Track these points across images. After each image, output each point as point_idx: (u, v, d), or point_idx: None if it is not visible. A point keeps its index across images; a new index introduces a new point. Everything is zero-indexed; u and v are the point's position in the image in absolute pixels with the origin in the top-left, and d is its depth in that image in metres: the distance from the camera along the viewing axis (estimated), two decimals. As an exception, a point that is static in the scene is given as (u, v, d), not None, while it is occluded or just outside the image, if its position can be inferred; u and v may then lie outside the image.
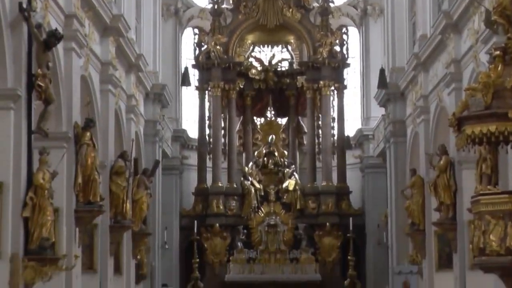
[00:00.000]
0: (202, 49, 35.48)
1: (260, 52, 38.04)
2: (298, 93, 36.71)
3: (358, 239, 33.89)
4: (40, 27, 15.27)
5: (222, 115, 35.91)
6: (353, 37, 38.22)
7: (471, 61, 20.20)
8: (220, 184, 34.97)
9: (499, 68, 13.59)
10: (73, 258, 16.98)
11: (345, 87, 35.79)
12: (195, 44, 36.98)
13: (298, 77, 36.38)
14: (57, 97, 16.46)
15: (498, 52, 13.27)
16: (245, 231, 34.22)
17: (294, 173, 35.56)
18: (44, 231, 14.73)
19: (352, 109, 37.25)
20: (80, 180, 18.22)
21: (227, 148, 35.85)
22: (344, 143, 35.40)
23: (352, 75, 37.48)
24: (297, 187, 35.18)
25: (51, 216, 14.94)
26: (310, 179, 35.51)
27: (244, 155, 36.67)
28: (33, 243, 14.66)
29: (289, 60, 37.60)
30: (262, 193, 35.24)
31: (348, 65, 35.91)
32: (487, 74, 13.79)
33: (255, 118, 37.40)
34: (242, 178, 35.42)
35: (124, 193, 22.37)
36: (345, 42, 36.50)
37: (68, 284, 17.74)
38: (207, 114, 35.90)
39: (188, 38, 38.27)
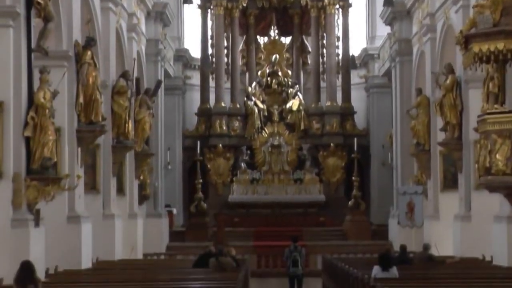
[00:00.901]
0: (204, -35, 34.96)
1: (263, -32, 37.39)
2: (302, 12, 36.23)
3: (362, 160, 33.82)
4: None
5: (225, 34, 35.59)
6: (359, -47, 37.52)
7: (479, -23, 19.78)
8: (223, 104, 34.84)
9: (509, -16, 13.29)
10: (75, 178, 16.91)
11: (350, 5, 35.33)
12: (197, -39, 36.37)
13: (303, -5, 35.89)
14: (56, 15, 16.17)
15: (508, -33, 12.95)
16: (248, 151, 34.24)
17: (298, 93, 35.37)
18: (46, 151, 14.64)
19: (357, 27, 36.79)
20: (81, 99, 18.03)
21: (230, 67, 35.58)
22: (349, 63, 35.12)
23: (357, -7, 36.91)
24: (301, 107, 35.04)
25: (52, 135, 14.83)
26: (314, 99, 35.34)
27: (247, 74, 36.40)
28: (35, 162, 14.60)
29: (293, -23, 37.01)
30: (266, 113, 35.13)
31: (353, -18, 35.42)
32: (497, -10, 13.51)
33: (258, 37, 36.98)
34: (245, 98, 35.26)
35: (126, 113, 22.21)
36: (350, -42, 35.88)
37: (71, 204, 17.74)
38: (209, 33, 35.55)
39: (190, -46, 37.58)
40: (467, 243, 20.70)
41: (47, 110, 14.65)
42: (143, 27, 27.74)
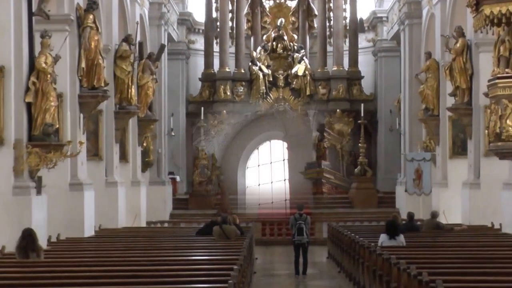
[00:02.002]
0: None
1: None
2: (308, -27, 35.82)
3: (369, 125, 33.56)
4: None
5: (230, -4, 35.21)
6: None
7: None
8: (227, 69, 34.50)
9: None
10: (78, 145, 16.64)
11: (357, -34, 34.88)
12: None
13: (308, -44, 35.44)
14: (57, -23, 15.91)
15: None
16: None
17: (304, 58, 35.00)
18: (47, 117, 14.49)
19: (365, -11, 36.33)
20: (83, 64, 17.82)
21: (234, 32, 35.19)
22: (356, 26, 34.69)
23: (365, -46, 36.36)
24: (307, 72, 34.69)
25: (54, 101, 14.66)
26: (320, 63, 34.99)
27: (252, 39, 35.98)
28: (37, 129, 14.45)
29: None
30: (271, 79, 34.79)
31: None
32: (510, -50, 13.20)
33: (263, 0, 36.51)
34: (250, 63, 34.90)
35: (129, 78, 21.98)
36: None
37: (73, 171, 17.61)
38: (214, -5, 35.16)
39: None
40: (475, 211, 20.55)
41: (48, 75, 14.48)
42: (146, -10, 27.41)
